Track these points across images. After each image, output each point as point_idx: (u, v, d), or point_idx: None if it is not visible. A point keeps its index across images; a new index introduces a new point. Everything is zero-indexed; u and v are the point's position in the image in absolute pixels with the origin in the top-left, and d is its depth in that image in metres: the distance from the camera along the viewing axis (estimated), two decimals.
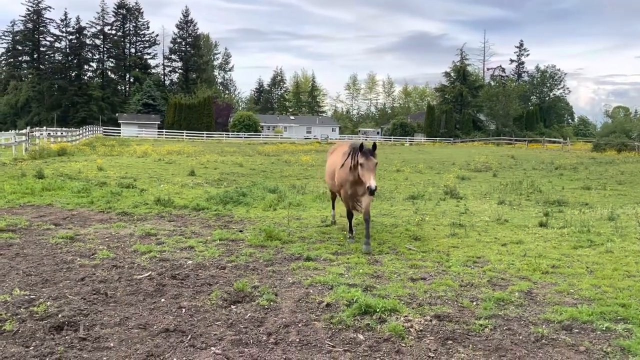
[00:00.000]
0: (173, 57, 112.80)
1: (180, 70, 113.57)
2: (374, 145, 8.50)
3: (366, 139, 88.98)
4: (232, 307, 5.57)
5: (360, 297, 5.69)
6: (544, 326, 5.13)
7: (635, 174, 27.10)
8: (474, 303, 5.87)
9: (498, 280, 6.80)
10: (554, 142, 69.35)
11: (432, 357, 4.38)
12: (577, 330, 5.04)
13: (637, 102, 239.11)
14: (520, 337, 4.87)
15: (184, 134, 72.55)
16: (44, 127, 39.06)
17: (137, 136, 71.15)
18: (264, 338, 4.72)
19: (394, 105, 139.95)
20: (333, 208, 11.37)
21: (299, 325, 5.06)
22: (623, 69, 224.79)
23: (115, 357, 4.31)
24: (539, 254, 8.28)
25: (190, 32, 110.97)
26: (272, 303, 5.68)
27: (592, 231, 10.05)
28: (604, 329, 5.05)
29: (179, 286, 6.24)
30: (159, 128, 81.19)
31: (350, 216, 9.50)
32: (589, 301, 5.91)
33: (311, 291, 6.17)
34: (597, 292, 6.27)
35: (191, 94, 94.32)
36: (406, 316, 5.25)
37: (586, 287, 6.47)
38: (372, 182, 8.03)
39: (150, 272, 6.78)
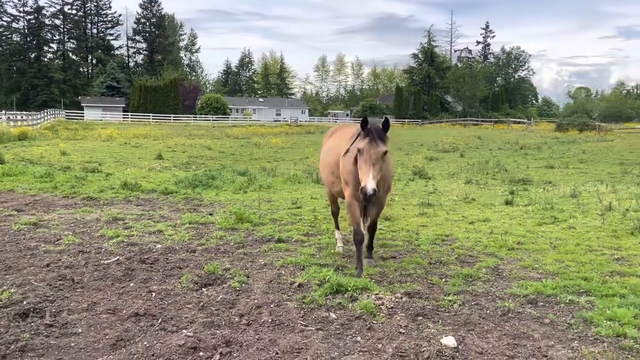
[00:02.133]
0: (137, 38, 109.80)
1: (145, 52, 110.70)
2: (386, 123, 5.77)
3: (336, 121, 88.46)
4: (203, 289, 5.53)
5: (331, 277, 5.72)
6: (510, 300, 5.27)
7: (596, 152, 27.94)
8: (443, 280, 5.98)
9: (466, 257, 6.94)
10: (519, 122, 70.72)
11: (403, 332, 4.45)
12: (542, 304, 5.19)
13: (597, 83, 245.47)
14: (488, 312, 4.99)
15: (151, 117, 71.09)
16: (3, 111, 37.52)
17: (102, 120, 69.34)
18: (236, 319, 4.71)
19: (363, 87, 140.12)
20: (337, 227, 7.68)
21: (271, 305, 5.06)
22: (585, 51, 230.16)
23: (84, 342, 4.23)
24: (505, 231, 8.47)
25: (154, 12, 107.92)
26: (243, 285, 5.66)
27: (556, 208, 10.34)
28: (567, 301, 5.22)
29: (149, 270, 6.15)
30: (124, 111, 79.23)
31: (359, 238, 6.21)
32: (553, 275, 6.09)
33: (283, 272, 6.17)
34: (561, 266, 6.46)
35: (157, 76, 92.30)
36: (377, 294, 5.31)
37: (550, 262, 6.67)
38: (368, 183, 5.31)
39: (118, 257, 6.65)
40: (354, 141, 5.89)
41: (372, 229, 6.61)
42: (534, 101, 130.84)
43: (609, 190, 12.83)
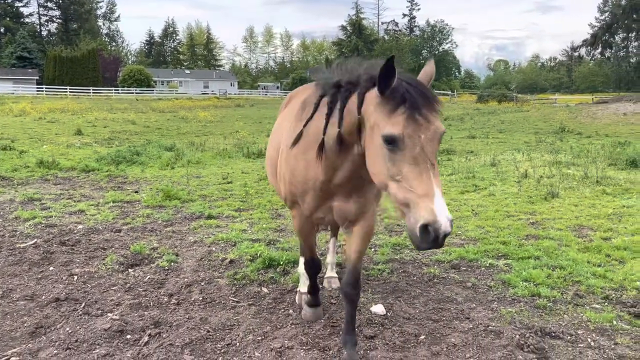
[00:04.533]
0: (49, 5, 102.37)
1: (58, 20, 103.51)
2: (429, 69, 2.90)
3: (266, 94, 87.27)
4: (130, 270, 5.34)
5: (264, 252, 5.72)
6: (435, 267, 5.49)
7: (513, 122, 29.46)
8: (372, 249, 6.12)
9: (394, 227, 7.14)
10: (443, 94, 73.02)
11: (334, 303, 4.53)
12: (464, 268, 5.46)
13: (515, 56, 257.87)
14: (415, 278, 5.18)
15: (68, 90, 66.81)
16: None
17: (13, 93, 64.34)
18: (165, 299, 4.60)
19: (293, 59, 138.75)
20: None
21: (202, 283, 4.98)
22: (504, 24, 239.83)
23: (0, 332, 3.98)
24: None
25: None
26: (172, 264, 5.52)
27: (477, 177, 10.83)
28: (487, 265, 5.52)
29: (70, 252, 5.85)
30: (37, 84, 73.90)
31: (314, 270, 4.08)
32: (474, 241, 6.41)
33: (214, 249, 6.08)
34: (481, 232, 6.81)
35: (73, 47, 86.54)
36: None
37: (472, 228, 7.00)
38: (437, 210, 2.41)
39: (35, 240, 6.27)
40: (311, 114, 3.18)
41: (352, 277, 3.53)
42: (457, 73, 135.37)
43: (525, 159, 13.59)
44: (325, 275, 5.01)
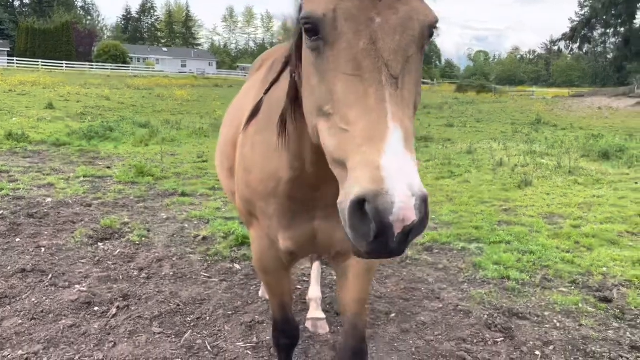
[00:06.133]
0: None
1: None
2: None
3: (245, 75, 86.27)
4: (99, 244, 5.24)
5: (237, 229, 5.67)
6: (408, 248, 5.52)
7: (491, 112, 29.77)
8: None
9: None
10: (424, 83, 73.25)
11: (307, 281, 4.53)
12: (437, 251, 5.50)
13: (495, 47, 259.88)
14: (388, 260, 5.20)
15: (40, 63, 64.90)
16: None
17: None
18: (135, 273, 4.53)
19: (274, 41, 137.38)
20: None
21: (173, 259, 4.92)
22: (486, 15, 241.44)
23: None
24: None
25: None
26: (143, 239, 5.43)
27: (453, 163, 10.92)
28: (459, 248, 5.58)
29: (37, 225, 5.70)
30: (9, 56, 71.60)
31: (289, 340, 2.70)
32: (448, 225, 6.47)
33: (186, 226, 6.01)
34: (455, 217, 6.87)
35: (46, 18, 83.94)
36: None
37: (446, 212, 7.06)
38: (389, 175, 1.15)
39: (2, 212, 6.10)
40: (278, 74, 1.98)
41: (353, 340, 2.38)
42: (437, 63, 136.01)
43: (500, 148, 13.75)
44: (309, 316, 3.74)
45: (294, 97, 1.70)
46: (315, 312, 3.71)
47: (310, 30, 1.32)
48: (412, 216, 1.12)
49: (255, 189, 2.11)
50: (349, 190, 1.17)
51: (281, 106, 1.82)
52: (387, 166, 1.13)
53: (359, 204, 1.14)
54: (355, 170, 1.17)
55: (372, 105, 1.21)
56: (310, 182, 1.92)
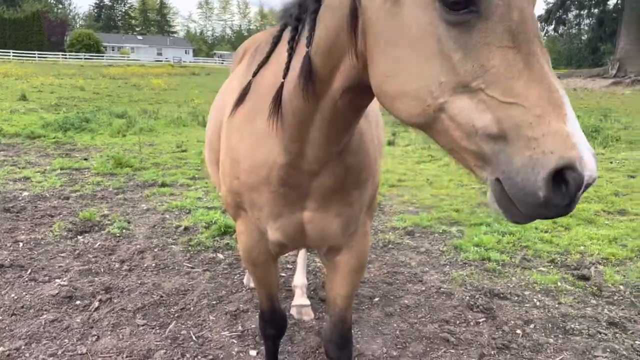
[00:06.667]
0: None
1: None
2: None
3: (222, 63, 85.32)
4: (79, 237, 5.17)
5: (219, 219, 5.64)
6: (390, 233, 5.57)
7: None
8: None
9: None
10: None
11: (290, 268, 4.54)
12: (418, 235, 5.56)
13: None
14: (370, 244, 5.24)
15: (11, 53, 63.22)
16: None
17: None
18: (117, 266, 4.48)
19: (250, 27, 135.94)
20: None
21: (155, 250, 4.88)
22: None
23: None
24: (388, 169, 8.87)
25: None
26: (124, 231, 5.37)
27: (433, 147, 10.99)
28: (440, 231, 5.64)
29: (14, 219, 5.60)
30: None
31: (275, 331, 2.76)
32: (429, 209, 6.53)
33: (167, 216, 5.96)
34: (436, 200, 6.94)
35: (15, 8, 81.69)
36: None
37: (426, 196, 7.13)
38: (581, 144, 1.18)
39: None
40: (266, 56, 1.92)
41: (338, 333, 2.45)
42: None
43: None
44: (294, 303, 3.77)
45: (309, 73, 1.62)
46: (300, 298, 3.76)
47: (457, 2, 1.25)
48: (596, 177, 1.19)
49: (245, 179, 2.03)
50: (544, 162, 1.17)
51: (273, 90, 1.77)
52: (575, 133, 1.19)
53: (560, 173, 1.16)
54: (544, 141, 1.18)
55: (537, 75, 1.23)
56: (310, 167, 1.87)
